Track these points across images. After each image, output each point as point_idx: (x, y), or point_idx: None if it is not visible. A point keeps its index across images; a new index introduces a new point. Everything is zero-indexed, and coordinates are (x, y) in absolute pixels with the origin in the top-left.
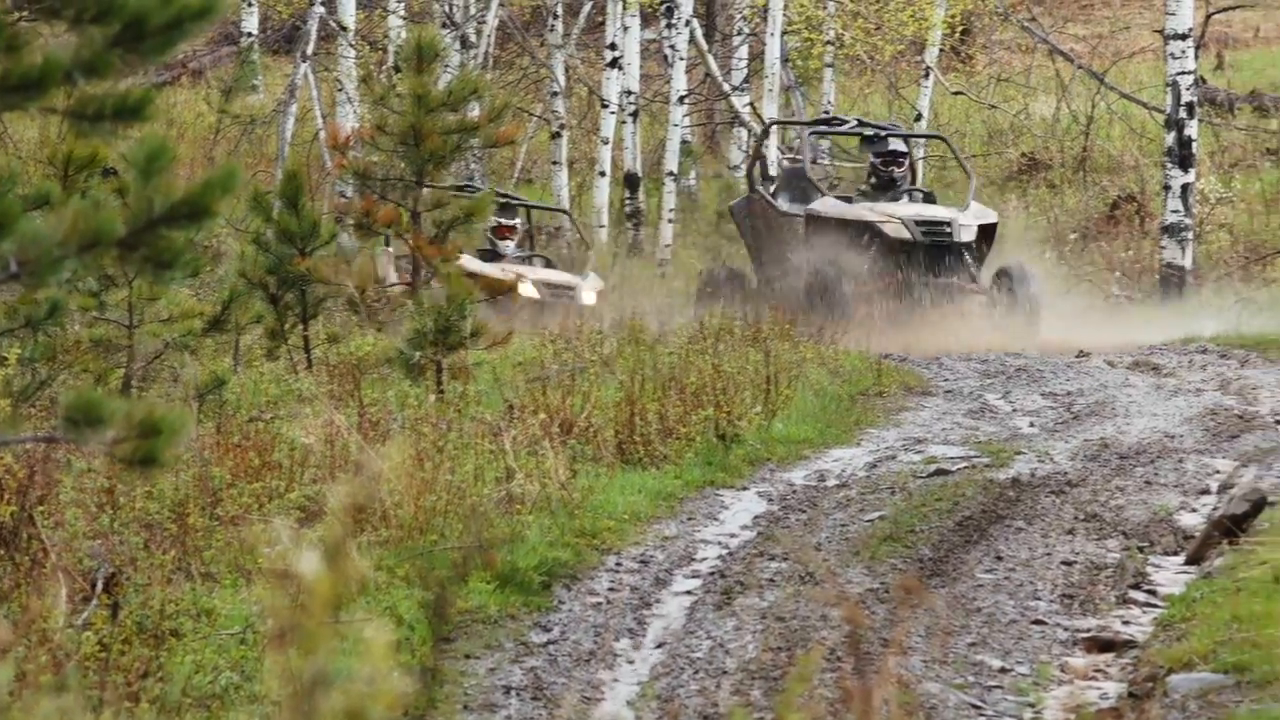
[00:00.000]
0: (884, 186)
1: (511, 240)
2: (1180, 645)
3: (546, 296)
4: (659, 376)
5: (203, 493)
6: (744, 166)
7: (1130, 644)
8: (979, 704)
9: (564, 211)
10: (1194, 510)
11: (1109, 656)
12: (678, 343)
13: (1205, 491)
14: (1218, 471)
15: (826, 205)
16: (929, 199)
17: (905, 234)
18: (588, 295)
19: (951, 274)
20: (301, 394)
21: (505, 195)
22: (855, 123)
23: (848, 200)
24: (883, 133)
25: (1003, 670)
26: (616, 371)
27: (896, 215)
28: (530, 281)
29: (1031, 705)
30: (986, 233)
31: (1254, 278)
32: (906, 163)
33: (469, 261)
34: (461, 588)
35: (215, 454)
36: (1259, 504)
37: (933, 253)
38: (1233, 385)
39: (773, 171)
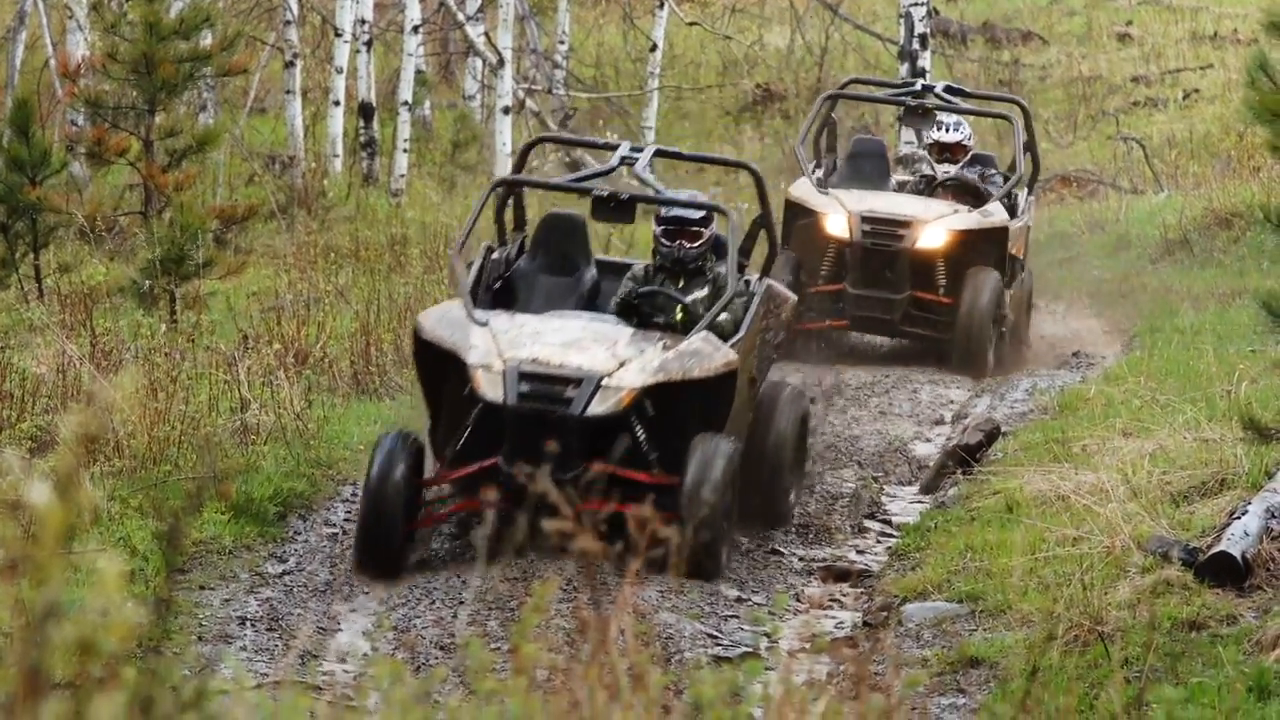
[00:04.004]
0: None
1: (956, 163)
2: (914, 575)
3: (860, 236)
4: (394, 306)
5: None
6: (479, 97)
7: (865, 573)
8: (715, 634)
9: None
10: (928, 440)
11: (844, 586)
12: (414, 273)
13: (939, 422)
14: (952, 401)
15: None
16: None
17: None
18: (930, 235)
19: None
20: (33, 323)
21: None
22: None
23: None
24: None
25: (739, 600)
26: (352, 301)
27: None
28: (846, 214)
29: (768, 635)
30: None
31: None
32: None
33: (796, 187)
34: (196, 518)
35: None
36: (992, 434)
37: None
38: None
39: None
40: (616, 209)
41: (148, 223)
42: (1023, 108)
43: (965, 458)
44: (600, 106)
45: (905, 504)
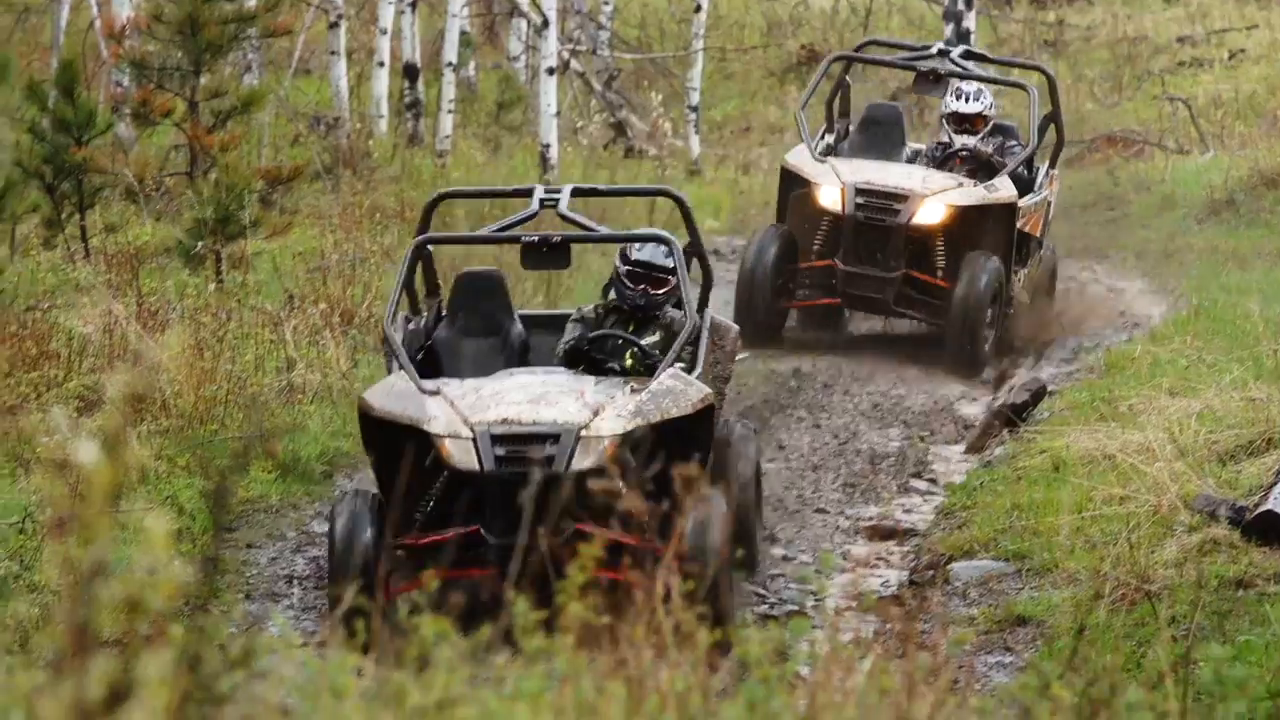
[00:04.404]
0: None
1: (975, 134)
2: (961, 533)
3: (853, 209)
4: (440, 267)
5: None
6: (524, 58)
7: (911, 532)
8: (762, 592)
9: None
10: (974, 400)
11: (891, 544)
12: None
13: (986, 381)
14: (998, 362)
15: None
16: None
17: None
18: (928, 211)
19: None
20: (79, 283)
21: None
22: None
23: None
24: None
25: (785, 559)
26: (397, 261)
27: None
28: (839, 185)
29: (814, 593)
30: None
31: None
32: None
33: (793, 155)
34: (243, 477)
35: None
36: (1039, 394)
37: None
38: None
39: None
40: (549, 254)
41: (193, 183)
42: (1048, 76)
43: (1012, 417)
44: (645, 68)
45: (952, 463)
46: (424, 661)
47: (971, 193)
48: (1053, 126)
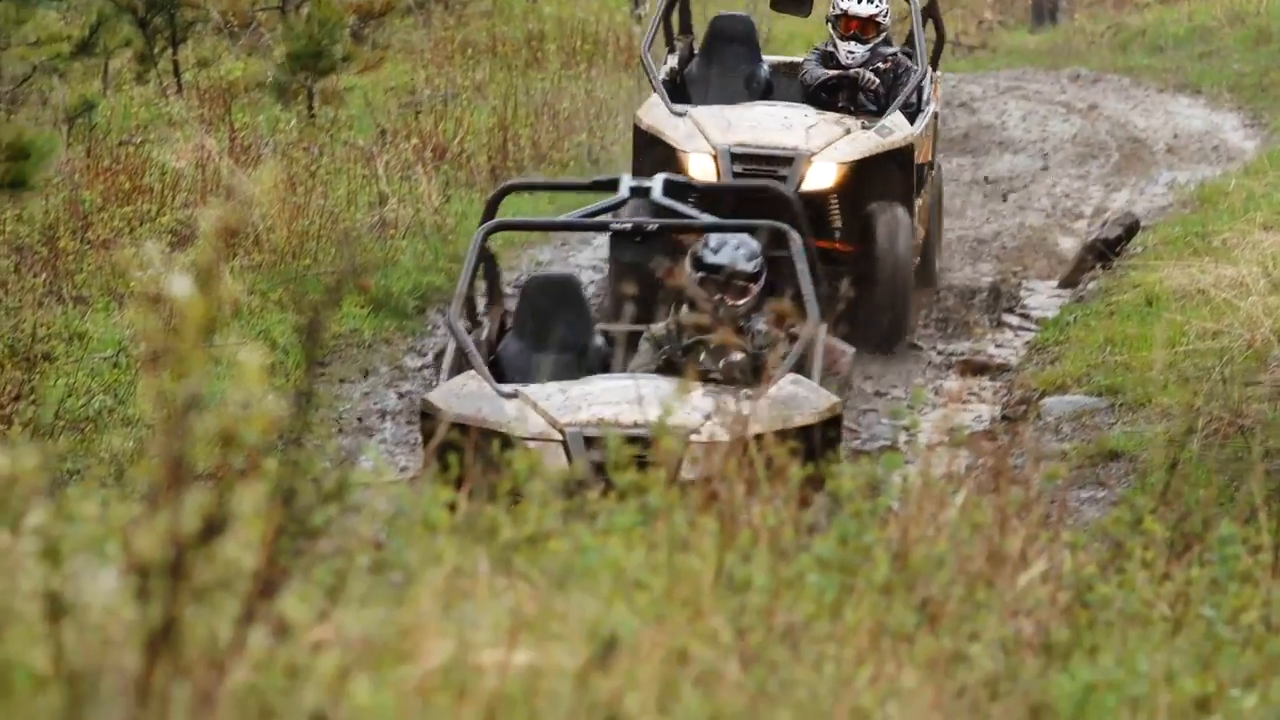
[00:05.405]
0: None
1: (866, 42)
2: (1054, 369)
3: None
4: (531, 102)
5: (73, 216)
6: None
7: (1004, 368)
8: (854, 428)
9: None
10: (1068, 234)
11: (983, 379)
12: (551, 68)
13: (1079, 215)
14: (1091, 196)
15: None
16: None
17: None
18: (818, 173)
19: None
20: (172, 118)
21: None
22: None
23: None
24: None
25: (877, 394)
26: (489, 97)
27: None
28: (710, 151)
29: (906, 429)
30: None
31: (1126, 3)
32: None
33: (647, 111)
34: (335, 312)
35: (85, 178)
36: (1132, 228)
37: None
38: (1103, 110)
39: None
40: (644, 244)
41: (285, 18)
42: None
43: (1104, 251)
44: None
45: (1044, 298)
46: (516, 495)
47: (864, 141)
48: (930, 22)
